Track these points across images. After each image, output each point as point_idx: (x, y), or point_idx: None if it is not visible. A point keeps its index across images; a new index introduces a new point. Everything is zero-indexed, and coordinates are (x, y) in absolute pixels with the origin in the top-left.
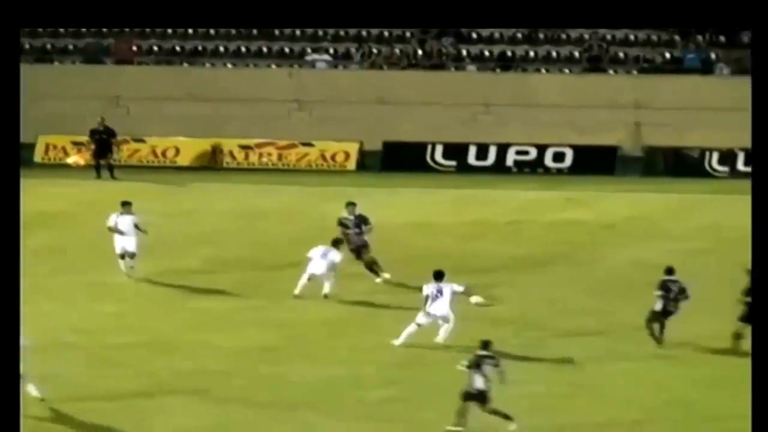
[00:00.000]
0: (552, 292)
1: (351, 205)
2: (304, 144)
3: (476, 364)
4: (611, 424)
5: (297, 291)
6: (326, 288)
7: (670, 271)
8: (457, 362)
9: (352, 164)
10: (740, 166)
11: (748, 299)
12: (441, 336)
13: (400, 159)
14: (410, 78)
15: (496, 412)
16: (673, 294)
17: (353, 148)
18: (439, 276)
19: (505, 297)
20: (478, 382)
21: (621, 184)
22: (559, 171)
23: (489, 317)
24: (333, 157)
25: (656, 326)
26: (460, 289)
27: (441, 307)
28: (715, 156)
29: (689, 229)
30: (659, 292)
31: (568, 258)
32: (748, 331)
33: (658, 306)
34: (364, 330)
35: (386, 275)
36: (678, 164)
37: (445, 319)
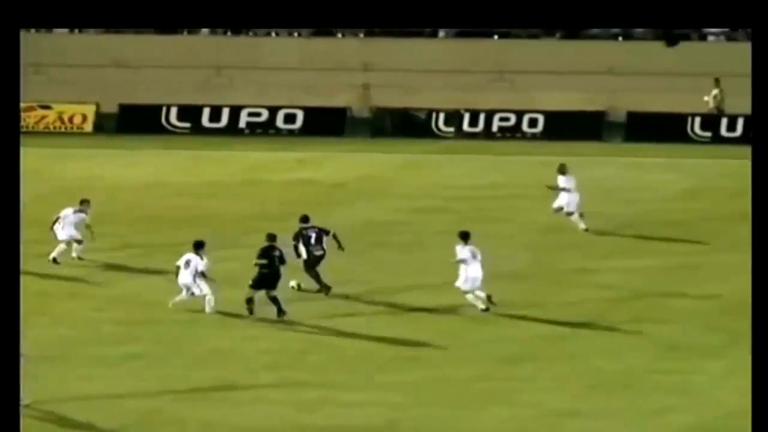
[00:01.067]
0: (284, 251)
1: None
2: (42, 106)
3: None
4: (344, 379)
5: (55, 254)
6: (75, 251)
7: (305, 219)
8: (192, 320)
9: (89, 126)
10: (465, 126)
11: (262, 262)
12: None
13: (136, 121)
14: (145, 42)
15: None
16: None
17: (90, 111)
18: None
19: (238, 256)
20: None
21: (350, 145)
22: (290, 132)
23: (223, 277)
24: (71, 119)
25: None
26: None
27: (185, 276)
28: (442, 117)
29: (416, 188)
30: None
31: None
32: (260, 294)
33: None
34: (101, 289)
35: None
36: (405, 125)
37: (188, 288)
